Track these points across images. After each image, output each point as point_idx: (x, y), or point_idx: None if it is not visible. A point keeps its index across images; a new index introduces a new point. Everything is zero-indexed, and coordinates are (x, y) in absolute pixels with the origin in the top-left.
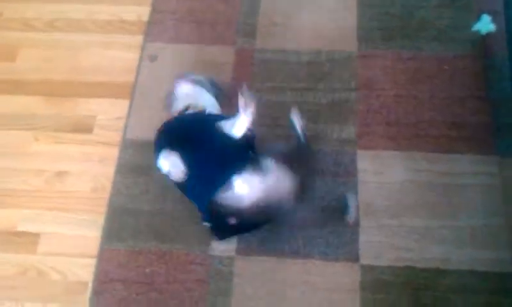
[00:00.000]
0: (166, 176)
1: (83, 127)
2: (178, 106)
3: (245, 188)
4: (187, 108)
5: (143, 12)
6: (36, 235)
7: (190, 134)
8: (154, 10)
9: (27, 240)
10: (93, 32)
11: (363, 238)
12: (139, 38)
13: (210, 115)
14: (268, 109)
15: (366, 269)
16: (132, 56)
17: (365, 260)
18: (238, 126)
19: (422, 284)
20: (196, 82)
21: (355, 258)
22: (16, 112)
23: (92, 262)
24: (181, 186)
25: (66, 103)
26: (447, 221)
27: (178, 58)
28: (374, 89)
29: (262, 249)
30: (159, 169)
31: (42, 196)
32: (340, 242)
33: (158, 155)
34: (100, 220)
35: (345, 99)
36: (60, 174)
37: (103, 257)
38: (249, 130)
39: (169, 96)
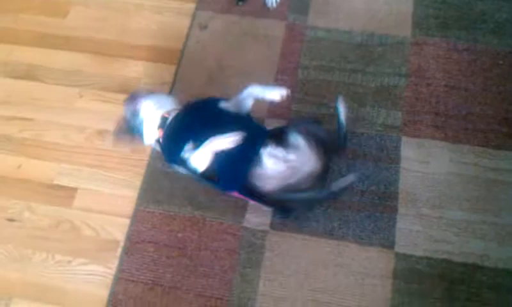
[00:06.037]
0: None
1: (128, 88)
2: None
3: (271, 163)
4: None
5: None
6: (73, 190)
7: (207, 119)
8: None
9: (64, 194)
10: None
11: (400, 225)
12: (191, 6)
13: (211, 99)
14: (314, 87)
15: (400, 257)
16: (182, 23)
17: (400, 248)
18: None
19: (457, 279)
20: (150, 96)
21: (390, 245)
22: (63, 67)
23: (126, 222)
24: (209, 172)
25: (113, 64)
26: (489, 217)
27: (228, 28)
28: (424, 77)
29: (296, 226)
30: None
31: (82, 152)
32: (376, 227)
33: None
34: (138, 181)
35: (394, 84)
36: (101, 132)
37: (137, 218)
38: None
39: (128, 119)
